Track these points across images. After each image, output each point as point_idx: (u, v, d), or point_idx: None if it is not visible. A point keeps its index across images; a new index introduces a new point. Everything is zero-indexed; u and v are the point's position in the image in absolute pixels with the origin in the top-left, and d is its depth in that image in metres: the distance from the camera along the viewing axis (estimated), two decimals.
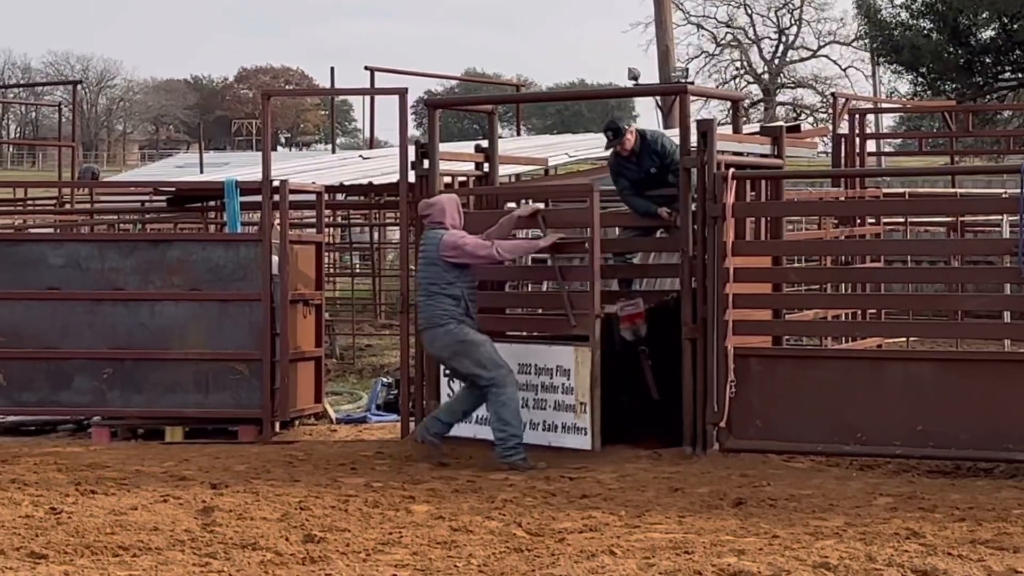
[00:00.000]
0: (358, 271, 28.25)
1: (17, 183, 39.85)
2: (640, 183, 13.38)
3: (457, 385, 13.19)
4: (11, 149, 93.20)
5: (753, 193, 13.62)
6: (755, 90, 70.51)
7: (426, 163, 14.20)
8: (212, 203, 20.19)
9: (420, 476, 12.01)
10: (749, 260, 13.01)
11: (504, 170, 15.88)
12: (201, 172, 32.16)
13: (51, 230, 22.89)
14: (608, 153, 13.60)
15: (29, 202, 28.67)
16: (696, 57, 68.62)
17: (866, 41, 58.45)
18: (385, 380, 16.57)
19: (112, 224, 23.70)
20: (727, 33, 71.21)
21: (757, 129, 16.88)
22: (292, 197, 15.11)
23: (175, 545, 9.49)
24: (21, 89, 79.80)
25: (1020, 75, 44.54)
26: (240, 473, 12.07)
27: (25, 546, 9.44)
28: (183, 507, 10.71)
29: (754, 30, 72.42)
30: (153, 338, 14.35)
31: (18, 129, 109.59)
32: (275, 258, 14.51)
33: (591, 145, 21.07)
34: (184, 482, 11.72)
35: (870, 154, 22.80)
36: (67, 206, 26.25)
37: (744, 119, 18.52)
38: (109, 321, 14.51)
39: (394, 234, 24.65)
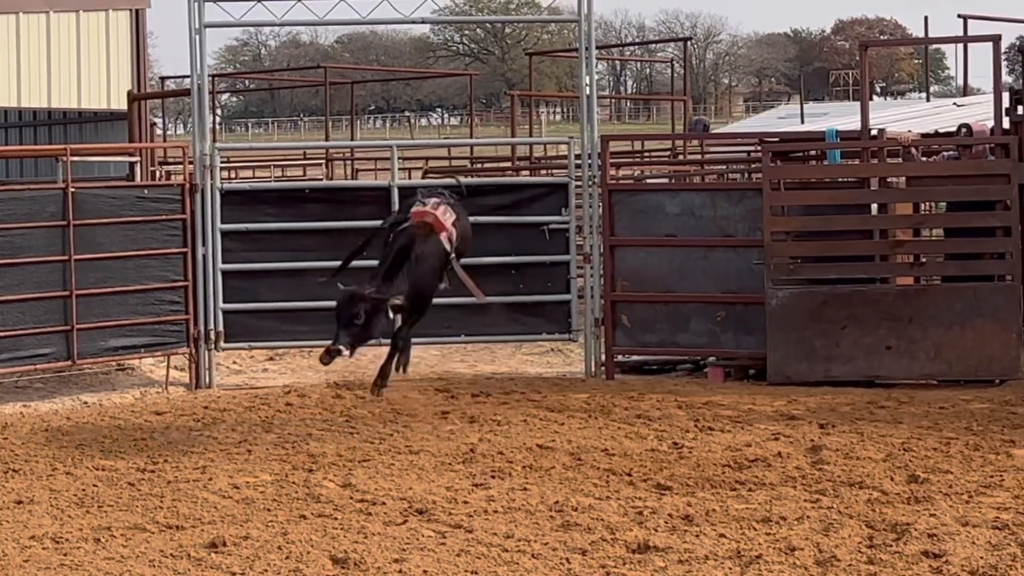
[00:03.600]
0: None
1: (635, 136, 41.03)
2: None
3: None
4: (628, 104, 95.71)
5: None
6: None
7: (1020, 109, 13.66)
8: (812, 153, 20.03)
9: (1019, 420, 11.56)
10: None
11: None
12: (802, 122, 32.00)
13: (667, 180, 23.35)
14: None
15: (646, 154, 29.36)
16: None
17: None
18: None
19: (721, 174, 23.92)
20: None
21: None
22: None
23: (787, 481, 9.54)
24: (636, 47, 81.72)
25: None
26: (846, 414, 11.96)
27: (651, 478, 9.71)
28: (793, 445, 10.73)
29: None
30: (762, 282, 14.29)
31: (634, 84, 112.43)
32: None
33: None
34: (793, 421, 11.73)
35: None
36: (680, 157, 26.69)
37: None
38: (721, 266, 14.53)
39: None
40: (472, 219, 14.49)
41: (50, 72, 19.38)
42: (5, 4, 19.02)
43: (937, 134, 17.98)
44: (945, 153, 15.34)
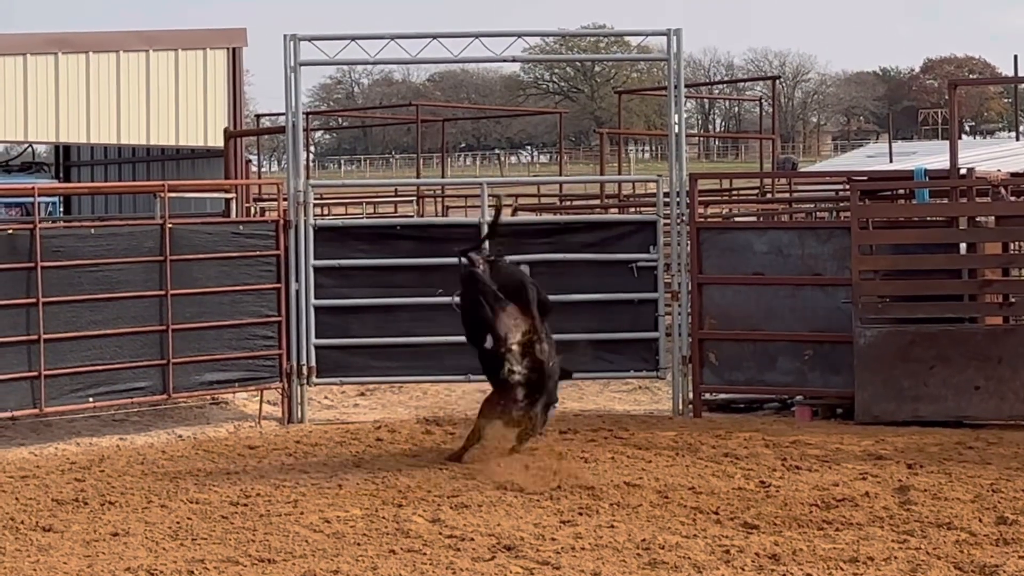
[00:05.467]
0: None
1: (723, 174, 40.95)
2: None
3: None
4: (716, 142, 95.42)
5: None
6: None
7: None
8: (901, 192, 19.87)
9: None
10: None
11: None
12: (890, 161, 31.78)
13: (754, 218, 23.25)
14: None
15: (734, 192, 29.27)
16: None
17: None
18: None
19: (809, 212, 23.79)
20: None
21: None
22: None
23: (874, 521, 9.44)
24: (725, 85, 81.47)
25: None
26: (934, 454, 11.83)
27: (738, 516, 9.64)
28: (880, 485, 10.61)
29: None
30: (850, 321, 14.15)
31: (723, 123, 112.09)
32: None
33: None
34: (881, 461, 11.61)
35: None
36: (768, 195, 26.57)
37: None
38: (809, 305, 14.43)
39: None
40: (561, 256, 14.60)
41: (149, 110, 19.63)
42: (106, 43, 19.31)
43: None
44: None
